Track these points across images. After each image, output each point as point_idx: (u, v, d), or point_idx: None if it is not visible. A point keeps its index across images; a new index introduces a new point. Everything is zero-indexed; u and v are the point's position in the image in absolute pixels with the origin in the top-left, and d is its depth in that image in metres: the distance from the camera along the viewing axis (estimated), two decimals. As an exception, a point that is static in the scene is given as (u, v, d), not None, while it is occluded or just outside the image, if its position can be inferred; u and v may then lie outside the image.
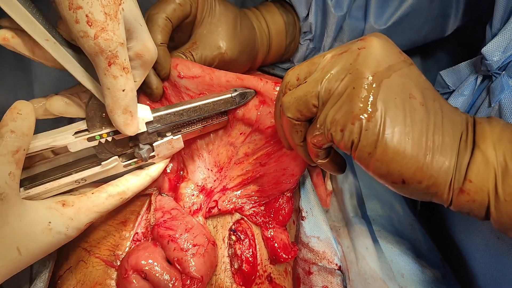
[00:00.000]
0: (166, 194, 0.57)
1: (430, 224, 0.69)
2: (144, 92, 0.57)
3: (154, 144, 0.52)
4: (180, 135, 0.53)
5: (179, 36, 0.62)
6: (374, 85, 0.37)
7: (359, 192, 0.72)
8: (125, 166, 0.51)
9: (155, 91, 0.56)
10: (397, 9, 0.72)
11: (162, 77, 0.56)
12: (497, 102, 0.52)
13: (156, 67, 0.55)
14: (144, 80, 0.56)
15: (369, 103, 0.36)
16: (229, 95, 0.53)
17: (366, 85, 0.37)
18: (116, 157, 0.50)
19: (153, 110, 0.50)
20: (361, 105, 0.37)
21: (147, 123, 0.49)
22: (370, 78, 0.37)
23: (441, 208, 0.66)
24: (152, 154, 0.52)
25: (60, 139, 0.46)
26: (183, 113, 0.52)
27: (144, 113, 0.49)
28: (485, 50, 0.52)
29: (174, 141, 0.53)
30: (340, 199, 0.73)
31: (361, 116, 0.36)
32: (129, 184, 0.51)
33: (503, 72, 0.53)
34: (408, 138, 0.36)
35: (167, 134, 0.53)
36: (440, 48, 0.90)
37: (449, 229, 0.62)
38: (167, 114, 0.51)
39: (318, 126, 0.40)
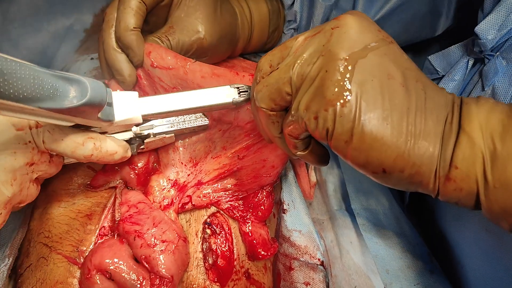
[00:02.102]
0: (134, 188, 0.54)
1: (419, 218, 0.67)
2: (116, 80, 0.54)
3: (145, 141, 0.50)
4: (173, 134, 0.51)
5: (154, 20, 0.59)
6: (349, 67, 0.34)
7: (343, 184, 0.69)
8: None
9: (127, 78, 0.53)
10: (386, 2, 0.69)
11: (135, 64, 0.53)
12: (490, 85, 0.50)
13: (128, 53, 0.52)
14: (116, 67, 0.53)
15: (343, 87, 0.34)
16: (230, 101, 0.47)
17: (339, 67, 0.34)
18: None
19: (145, 103, 0.46)
20: (335, 90, 0.34)
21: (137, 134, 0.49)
22: (344, 59, 0.34)
23: (430, 201, 0.63)
24: (142, 147, 0.50)
25: None
26: (176, 112, 0.47)
27: (133, 115, 0.45)
28: (479, 28, 0.50)
29: (166, 138, 0.51)
30: (324, 191, 0.70)
31: (335, 102, 0.34)
32: (104, 137, 0.46)
33: (497, 54, 0.50)
34: (387, 123, 0.33)
35: (161, 131, 0.50)
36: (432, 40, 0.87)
37: (438, 222, 0.60)
38: (160, 113, 0.46)
39: (292, 114, 0.38)
